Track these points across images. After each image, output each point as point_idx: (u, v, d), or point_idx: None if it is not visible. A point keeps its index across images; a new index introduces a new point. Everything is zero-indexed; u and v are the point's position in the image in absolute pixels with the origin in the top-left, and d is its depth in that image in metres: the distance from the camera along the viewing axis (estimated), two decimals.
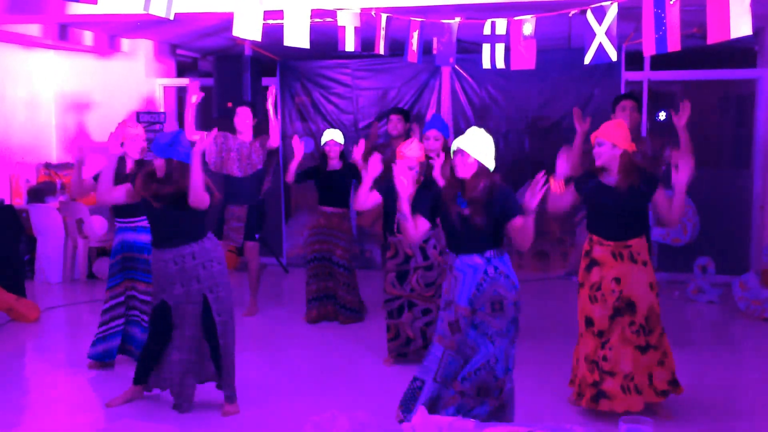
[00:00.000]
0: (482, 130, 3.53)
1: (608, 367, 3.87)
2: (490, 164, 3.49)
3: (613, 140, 3.87)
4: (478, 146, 3.45)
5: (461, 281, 3.45)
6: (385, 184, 4.63)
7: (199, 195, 3.81)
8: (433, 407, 3.45)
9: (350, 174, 5.84)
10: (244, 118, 6.08)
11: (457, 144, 3.46)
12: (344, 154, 5.96)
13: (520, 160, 7.86)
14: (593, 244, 4.00)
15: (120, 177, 4.52)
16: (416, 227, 3.57)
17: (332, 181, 5.87)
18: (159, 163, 3.90)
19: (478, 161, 3.44)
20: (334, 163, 5.86)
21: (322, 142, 5.89)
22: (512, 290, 3.43)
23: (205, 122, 10.36)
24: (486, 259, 3.44)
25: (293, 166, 5.76)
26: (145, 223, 4.72)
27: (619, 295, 3.89)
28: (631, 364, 3.87)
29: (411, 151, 4.48)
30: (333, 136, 5.88)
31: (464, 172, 3.44)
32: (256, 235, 6.22)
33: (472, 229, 3.42)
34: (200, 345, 4.06)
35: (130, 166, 4.77)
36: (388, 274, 4.75)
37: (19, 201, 7.69)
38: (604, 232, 3.95)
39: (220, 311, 3.97)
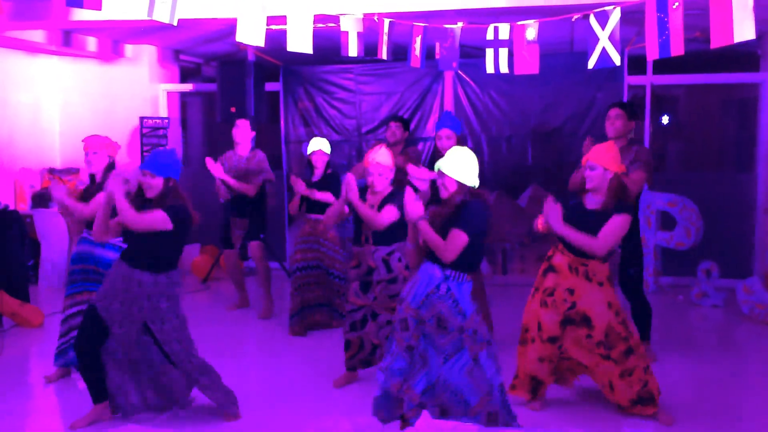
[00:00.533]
0: (464, 149, 3.59)
1: (565, 366, 4.06)
2: (472, 182, 3.54)
3: (604, 164, 3.88)
4: (457, 167, 3.51)
5: (417, 284, 3.55)
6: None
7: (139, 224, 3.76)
8: (389, 400, 3.55)
9: (334, 183, 5.64)
10: (243, 130, 6.22)
11: (438, 166, 3.55)
12: (330, 163, 5.81)
13: (522, 165, 7.86)
14: (556, 251, 4.04)
15: (91, 195, 4.49)
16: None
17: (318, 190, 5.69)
18: (156, 183, 3.82)
19: (457, 182, 3.50)
20: (320, 173, 5.73)
21: (309, 151, 5.75)
22: (457, 316, 3.45)
23: (208, 127, 10.41)
24: (445, 275, 3.49)
25: (296, 202, 5.69)
26: (116, 241, 4.51)
27: (572, 306, 3.91)
28: (586, 360, 3.97)
29: (379, 156, 4.39)
30: (320, 145, 5.72)
31: (445, 192, 3.54)
32: (261, 235, 6.31)
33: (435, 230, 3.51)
34: (155, 368, 4.02)
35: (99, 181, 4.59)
36: (351, 284, 4.57)
37: (23, 206, 7.71)
38: (567, 244, 3.96)
39: (165, 341, 3.88)
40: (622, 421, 4.03)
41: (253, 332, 6.02)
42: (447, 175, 3.50)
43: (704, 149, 10.52)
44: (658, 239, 6.99)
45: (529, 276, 7.79)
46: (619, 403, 3.99)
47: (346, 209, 4.62)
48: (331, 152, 5.88)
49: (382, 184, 4.42)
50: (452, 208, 3.49)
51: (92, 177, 4.62)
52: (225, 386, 4.07)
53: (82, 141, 4.64)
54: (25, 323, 5.97)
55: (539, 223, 4.05)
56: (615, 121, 4.84)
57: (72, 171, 8.08)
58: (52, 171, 8.03)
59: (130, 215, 3.73)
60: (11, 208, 7.30)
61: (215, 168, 5.96)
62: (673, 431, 3.89)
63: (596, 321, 3.87)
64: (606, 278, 3.93)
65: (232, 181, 6.01)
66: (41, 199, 7.56)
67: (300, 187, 5.53)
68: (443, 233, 3.46)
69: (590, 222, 3.88)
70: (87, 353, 3.88)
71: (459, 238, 3.41)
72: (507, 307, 6.15)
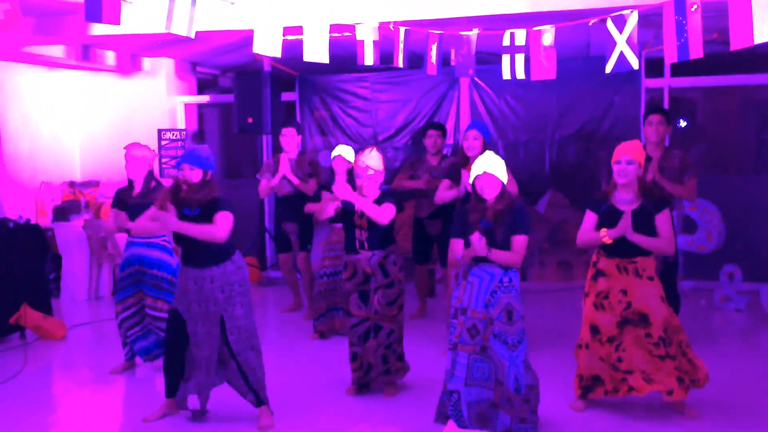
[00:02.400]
0: (491, 153, 3.87)
1: (625, 366, 3.93)
2: (505, 180, 3.79)
3: (639, 160, 3.96)
4: (500, 168, 3.75)
5: (477, 286, 3.72)
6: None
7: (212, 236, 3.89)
8: (481, 413, 3.66)
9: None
10: (290, 138, 6.34)
11: (482, 167, 3.73)
12: (352, 171, 5.65)
13: (540, 170, 7.82)
14: (600, 256, 4.08)
15: (127, 202, 4.81)
16: (455, 252, 3.84)
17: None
18: (196, 175, 3.94)
19: (501, 182, 3.74)
20: (342, 180, 5.59)
21: (332, 157, 5.73)
22: (520, 304, 3.74)
23: (225, 138, 10.46)
24: (503, 269, 3.72)
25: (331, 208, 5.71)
26: (159, 240, 4.91)
27: (628, 306, 3.94)
28: (645, 364, 3.91)
29: (369, 159, 4.37)
30: (341, 152, 5.65)
31: (490, 193, 3.74)
32: (308, 246, 6.47)
33: (492, 242, 3.69)
34: (219, 364, 4.09)
35: (137, 190, 4.91)
36: (350, 296, 4.49)
37: (45, 220, 7.78)
38: (610, 248, 4.01)
39: (232, 329, 3.97)
40: (648, 423, 3.99)
41: (279, 340, 6.03)
42: (493, 176, 3.71)
43: (724, 152, 10.41)
44: (679, 243, 6.92)
45: (547, 282, 7.76)
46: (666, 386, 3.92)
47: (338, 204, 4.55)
48: None
49: (372, 188, 4.40)
50: (502, 211, 3.70)
51: (131, 183, 4.93)
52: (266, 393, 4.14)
53: (124, 148, 4.93)
54: (48, 336, 6.02)
55: (605, 238, 3.95)
56: (658, 126, 5.00)
57: (92, 184, 8.14)
58: (72, 184, 8.10)
59: (217, 233, 3.86)
60: (33, 221, 7.38)
61: (287, 164, 6.17)
62: (695, 427, 3.87)
63: (653, 317, 3.91)
64: (655, 273, 4.00)
65: (296, 180, 6.16)
66: (62, 213, 7.62)
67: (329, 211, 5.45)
68: (507, 235, 3.69)
69: (633, 224, 3.91)
70: (174, 352, 4.06)
71: (524, 243, 3.72)
72: (526, 312, 6.10)
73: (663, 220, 3.94)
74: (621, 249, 3.96)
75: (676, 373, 3.91)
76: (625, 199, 3.99)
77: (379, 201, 4.38)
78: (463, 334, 3.69)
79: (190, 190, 3.96)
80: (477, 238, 3.64)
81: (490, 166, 3.72)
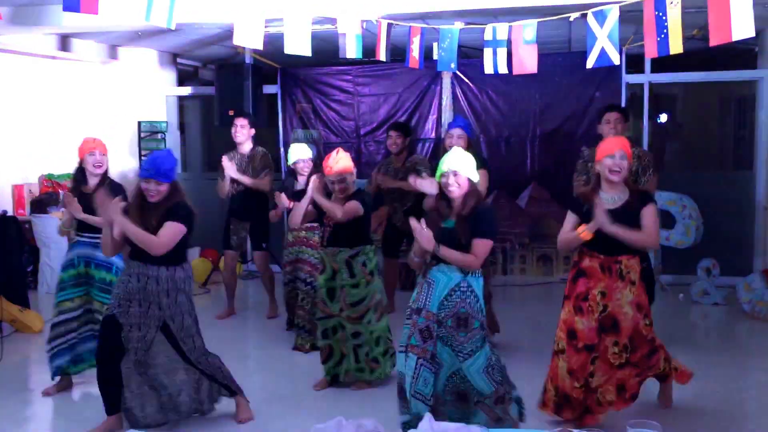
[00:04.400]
0: (459, 149, 3.67)
1: (594, 383, 3.79)
2: (475, 179, 3.60)
3: (629, 154, 3.80)
4: (468, 166, 3.55)
5: (434, 287, 3.52)
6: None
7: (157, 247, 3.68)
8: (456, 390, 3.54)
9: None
10: (242, 128, 6.11)
11: (449, 166, 3.53)
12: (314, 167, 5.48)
13: (521, 165, 7.85)
14: (583, 256, 3.87)
15: (84, 195, 4.43)
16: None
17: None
18: (164, 189, 3.72)
19: (469, 180, 3.55)
20: (303, 180, 5.40)
21: (291, 162, 5.51)
22: (478, 312, 3.50)
23: (206, 131, 10.40)
24: (463, 273, 3.50)
25: (279, 211, 5.68)
26: None
27: (604, 310, 3.76)
28: (603, 377, 3.79)
29: (338, 164, 4.34)
30: (300, 154, 5.46)
31: (458, 192, 3.53)
32: (263, 245, 6.28)
33: (455, 244, 3.50)
34: (172, 373, 3.87)
35: (90, 186, 4.51)
36: (318, 291, 4.50)
37: (22, 212, 7.69)
38: (596, 246, 3.79)
39: (184, 339, 3.80)
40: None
41: (251, 336, 6.00)
42: (461, 174, 3.51)
43: (703, 147, 10.52)
44: None
45: (529, 276, 7.81)
46: (625, 396, 3.84)
47: (311, 208, 4.57)
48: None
49: (346, 190, 4.37)
50: (468, 211, 3.51)
51: (82, 174, 4.56)
52: (237, 384, 4.04)
53: (92, 140, 4.56)
54: (25, 329, 5.96)
55: (583, 234, 3.76)
56: (616, 125, 4.92)
57: (70, 176, 8.05)
58: (50, 176, 8.01)
59: (155, 243, 3.64)
60: (10, 213, 7.29)
61: (230, 167, 5.96)
62: (675, 429, 3.88)
63: (624, 323, 3.75)
64: (638, 277, 3.81)
65: (247, 180, 5.97)
66: (40, 205, 7.54)
67: (284, 202, 5.32)
68: (470, 237, 3.48)
69: (619, 222, 3.69)
70: (108, 365, 3.77)
71: (486, 246, 3.50)
72: (508, 306, 6.14)
73: (648, 213, 3.73)
74: (604, 246, 3.75)
75: (620, 381, 3.79)
76: (610, 198, 3.79)
77: (350, 198, 4.36)
78: (416, 335, 3.49)
79: (159, 203, 3.74)
80: (419, 228, 3.46)
81: (456, 164, 3.52)
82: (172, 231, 3.68)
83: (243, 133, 6.11)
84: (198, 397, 3.97)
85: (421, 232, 3.47)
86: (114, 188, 4.36)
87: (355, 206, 4.32)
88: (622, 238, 3.70)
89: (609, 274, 3.78)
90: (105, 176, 4.56)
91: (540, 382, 3.96)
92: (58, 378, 4.57)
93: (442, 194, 3.60)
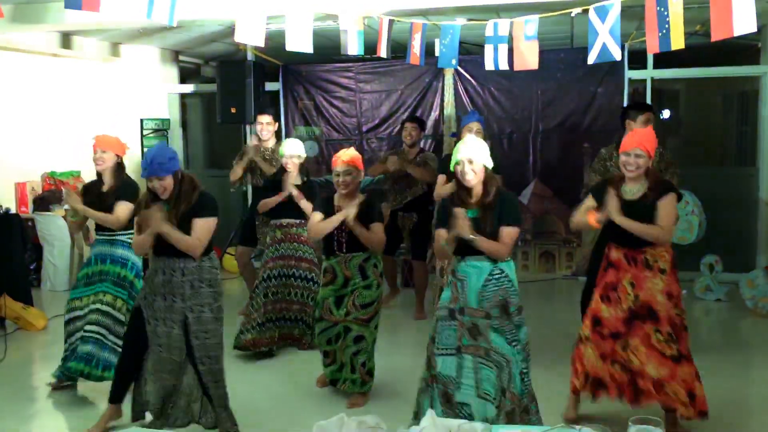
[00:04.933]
0: (475, 137, 3.64)
1: (636, 367, 3.74)
2: (490, 166, 3.55)
3: (650, 151, 3.75)
4: (482, 153, 3.49)
5: (467, 282, 3.47)
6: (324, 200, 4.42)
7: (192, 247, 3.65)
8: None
9: (312, 193, 5.25)
10: (267, 125, 6.17)
11: (463, 154, 3.47)
12: (305, 168, 5.44)
13: (524, 161, 7.84)
14: (611, 247, 3.90)
15: (100, 198, 4.45)
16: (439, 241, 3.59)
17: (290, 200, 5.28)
18: (167, 182, 3.64)
19: (485, 167, 3.49)
20: (293, 177, 5.33)
21: (284, 154, 5.35)
22: (515, 295, 3.47)
23: (208, 128, 10.40)
24: (492, 261, 3.46)
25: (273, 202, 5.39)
26: (124, 237, 4.50)
27: (636, 299, 3.75)
28: (660, 371, 3.70)
29: (348, 155, 4.28)
30: (294, 149, 5.33)
31: (474, 180, 3.47)
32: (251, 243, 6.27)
33: (481, 233, 3.43)
34: (183, 371, 3.75)
35: (107, 186, 4.53)
36: (324, 301, 4.37)
37: (25, 210, 7.70)
38: (618, 239, 3.83)
39: (197, 333, 3.64)
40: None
41: None
42: (476, 162, 3.44)
43: (706, 143, 10.49)
44: None
45: (531, 272, 7.80)
46: (697, 407, 3.74)
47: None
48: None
49: (350, 185, 4.28)
50: (491, 199, 3.46)
51: (99, 175, 4.56)
52: (229, 406, 3.81)
53: (96, 138, 4.57)
54: (28, 326, 5.97)
55: (592, 219, 3.83)
56: (647, 124, 4.78)
57: (73, 174, 8.06)
58: (53, 174, 8.02)
59: (197, 246, 3.62)
60: (13, 211, 7.30)
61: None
62: (677, 426, 3.88)
63: (661, 312, 3.72)
64: (669, 265, 3.78)
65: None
66: (42, 203, 7.55)
67: (292, 190, 5.22)
68: (497, 225, 3.45)
69: (635, 213, 3.70)
70: (130, 353, 3.81)
71: (515, 234, 3.48)
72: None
73: (664, 205, 3.69)
74: (627, 238, 3.76)
75: (688, 385, 3.71)
76: (629, 190, 3.79)
77: (368, 216, 4.22)
78: (466, 335, 3.42)
79: (179, 197, 3.68)
80: (462, 215, 3.37)
81: (471, 152, 3.45)
82: (206, 228, 3.67)
83: (269, 130, 6.16)
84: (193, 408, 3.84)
85: (465, 220, 3.40)
86: (125, 187, 4.48)
87: (380, 231, 4.23)
88: (633, 231, 3.70)
89: (635, 265, 3.79)
90: (118, 174, 4.53)
91: (543, 378, 3.96)
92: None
93: (460, 184, 3.52)
